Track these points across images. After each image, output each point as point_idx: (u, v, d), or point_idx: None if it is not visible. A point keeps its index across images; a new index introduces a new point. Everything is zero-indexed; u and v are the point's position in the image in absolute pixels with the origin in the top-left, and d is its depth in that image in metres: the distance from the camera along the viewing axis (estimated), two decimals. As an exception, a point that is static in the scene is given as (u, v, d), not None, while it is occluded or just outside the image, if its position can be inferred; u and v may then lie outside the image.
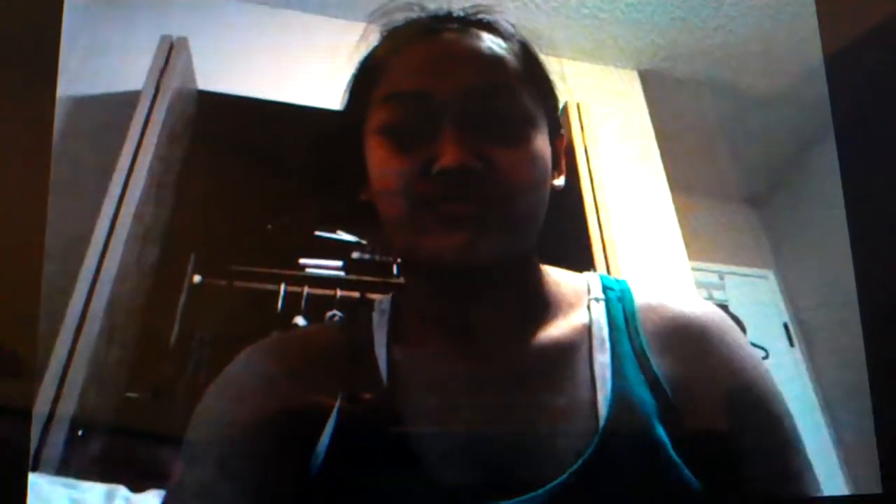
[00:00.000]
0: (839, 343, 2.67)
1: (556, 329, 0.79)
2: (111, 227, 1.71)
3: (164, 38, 2.02)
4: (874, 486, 0.84)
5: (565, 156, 0.86)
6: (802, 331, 3.04)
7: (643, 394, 0.74)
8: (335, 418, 0.71)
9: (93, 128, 1.96)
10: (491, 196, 0.72)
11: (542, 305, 0.82)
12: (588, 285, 0.85)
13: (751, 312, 2.92)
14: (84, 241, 1.68)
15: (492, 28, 0.80)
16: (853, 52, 0.93)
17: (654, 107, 2.73)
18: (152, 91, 1.92)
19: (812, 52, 0.96)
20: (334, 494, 0.71)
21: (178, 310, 2.03)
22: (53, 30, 0.88)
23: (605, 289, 0.84)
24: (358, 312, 0.88)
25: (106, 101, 2.07)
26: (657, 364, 0.76)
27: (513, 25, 0.82)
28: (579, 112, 2.30)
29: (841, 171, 0.92)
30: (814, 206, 2.86)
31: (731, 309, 2.69)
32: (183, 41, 2.05)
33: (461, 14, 0.81)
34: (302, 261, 2.19)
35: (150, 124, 1.87)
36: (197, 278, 2.07)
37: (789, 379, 2.86)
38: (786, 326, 3.05)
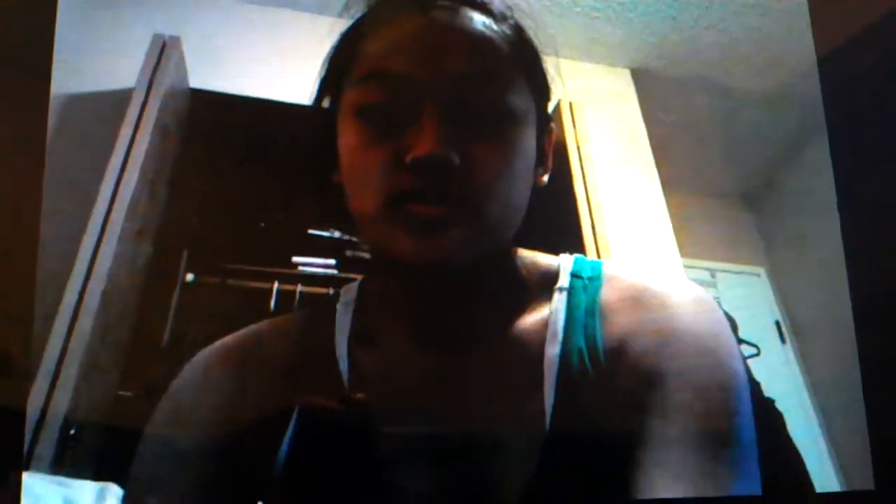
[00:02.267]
0: (831, 340, 2.68)
1: (520, 324, 0.75)
2: (104, 225, 1.70)
3: (156, 37, 2.02)
4: (867, 483, 0.84)
5: (553, 151, 0.80)
6: (794, 328, 3.05)
7: (589, 388, 0.70)
8: (294, 425, 0.67)
9: (86, 125, 1.97)
10: (465, 196, 0.66)
11: (511, 300, 0.77)
12: (558, 273, 0.79)
13: (743, 310, 2.93)
14: (77, 238, 1.68)
15: (485, 8, 0.74)
16: (846, 51, 0.93)
17: (646, 105, 2.74)
18: (145, 89, 1.92)
19: (805, 50, 0.96)
20: (294, 500, 0.68)
21: (170, 307, 2.03)
22: (47, 28, 0.88)
23: (574, 276, 0.78)
24: (321, 304, 0.83)
25: (99, 98, 2.07)
26: (606, 350, 0.71)
27: (508, 7, 0.75)
28: (571, 111, 2.31)
29: (833, 169, 0.92)
30: (806, 204, 2.87)
31: (723, 306, 2.70)
32: (175, 40, 2.05)
33: None
34: (295, 259, 2.20)
35: (142, 122, 1.87)
36: (190, 276, 2.07)
37: (781, 376, 2.87)
38: (777, 324, 3.07)
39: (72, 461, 1.49)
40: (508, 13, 0.75)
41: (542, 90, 0.77)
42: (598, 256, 1.99)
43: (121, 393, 1.78)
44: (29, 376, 1.40)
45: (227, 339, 0.81)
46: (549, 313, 0.75)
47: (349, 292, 0.82)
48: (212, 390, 0.77)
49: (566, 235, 2.04)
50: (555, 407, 0.69)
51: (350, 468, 0.68)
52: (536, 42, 0.77)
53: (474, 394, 0.72)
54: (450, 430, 0.71)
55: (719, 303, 0.79)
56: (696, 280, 2.95)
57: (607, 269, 0.80)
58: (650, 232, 2.40)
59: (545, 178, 0.78)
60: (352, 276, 2.13)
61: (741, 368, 0.73)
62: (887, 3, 0.93)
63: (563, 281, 0.78)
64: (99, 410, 1.71)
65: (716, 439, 0.67)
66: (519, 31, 0.75)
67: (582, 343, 0.72)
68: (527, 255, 0.81)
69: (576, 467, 0.68)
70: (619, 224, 2.24)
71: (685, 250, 2.42)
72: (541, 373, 0.71)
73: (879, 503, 0.81)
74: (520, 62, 0.73)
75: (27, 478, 1.26)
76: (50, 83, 0.89)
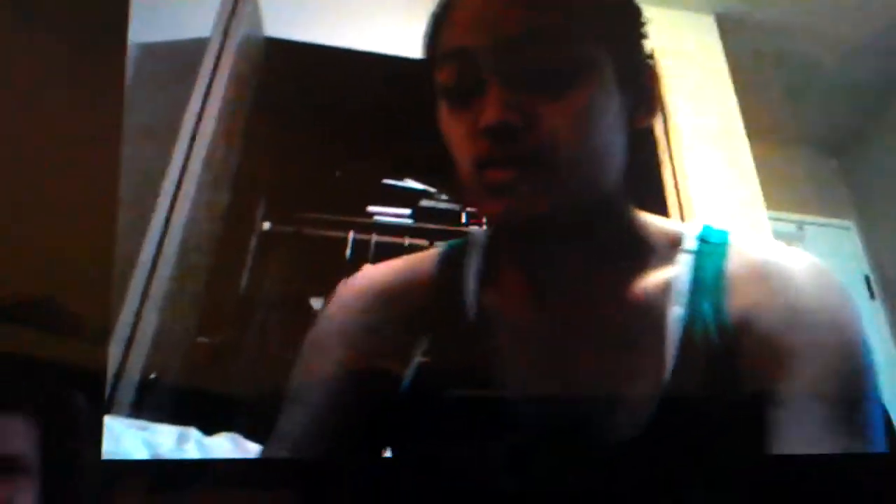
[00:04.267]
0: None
1: (638, 282, 0.77)
2: (181, 174, 1.72)
3: (231, -15, 2.02)
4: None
5: (656, 91, 0.83)
6: (884, 283, 2.96)
7: (712, 355, 0.72)
8: (417, 362, 0.73)
9: (162, 74, 1.98)
10: (534, 156, 0.71)
11: (627, 256, 0.79)
12: (683, 236, 0.81)
13: (831, 264, 2.85)
14: (155, 187, 1.70)
15: None
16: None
17: (731, 52, 2.66)
18: (220, 38, 1.94)
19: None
20: (414, 427, 0.74)
21: (247, 256, 2.05)
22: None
23: (701, 241, 0.80)
24: (454, 247, 0.88)
25: (175, 48, 2.08)
26: (733, 319, 0.73)
27: None
28: (654, 59, 2.25)
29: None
30: (897, 156, 2.79)
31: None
32: (250, -12, 2.05)
33: None
34: (370, 208, 2.20)
35: (218, 71, 1.89)
36: (266, 225, 2.09)
37: (870, 333, 2.79)
38: (867, 279, 2.98)
39: (152, 405, 1.51)
40: None
41: (619, 31, 0.79)
42: (681, 208, 1.95)
43: (199, 339, 1.81)
44: (110, 321, 1.43)
45: (370, 271, 0.90)
46: (673, 274, 0.77)
47: (481, 235, 0.88)
48: (356, 317, 0.84)
49: (648, 187, 2.00)
50: (675, 367, 0.71)
51: (466, 413, 0.73)
52: None
53: (591, 347, 0.76)
54: (566, 383, 0.74)
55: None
56: (782, 233, 2.89)
57: (733, 239, 0.81)
58: (735, 182, 2.34)
59: (651, 117, 0.81)
60: (426, 225, 2.14)
61: (868, 345, 0.76)
62: None
63: (690, 244, 0.80)
64: (178, 356, 1.74)
65: (847, 414, 0.70)
66: None
67: (708, 308, 0.74)
68: (648, 216, 0.83)
69: (687, 428, 0.71)
70: (703, 174, 2.19)
71: (771, 202, 2.36)
72: (663, 332, 0.73)
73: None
74: (583, 9, 0.76)
75: (108, 420, 1.29)
76: (127, 33, 0.90)
